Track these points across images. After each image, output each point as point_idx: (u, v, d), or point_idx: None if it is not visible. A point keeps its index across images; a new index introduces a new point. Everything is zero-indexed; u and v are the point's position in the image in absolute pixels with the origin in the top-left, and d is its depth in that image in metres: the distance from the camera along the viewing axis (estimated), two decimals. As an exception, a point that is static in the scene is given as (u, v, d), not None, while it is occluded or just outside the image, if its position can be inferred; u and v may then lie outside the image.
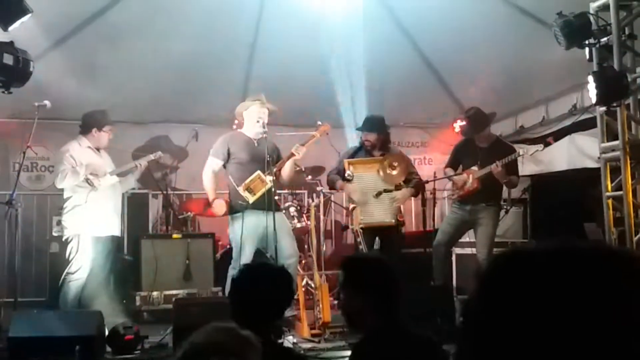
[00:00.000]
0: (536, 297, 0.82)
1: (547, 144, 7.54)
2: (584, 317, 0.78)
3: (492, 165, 6.87)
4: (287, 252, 6.49)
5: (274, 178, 6.54)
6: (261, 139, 6.65)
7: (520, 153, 6.93)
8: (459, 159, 7.44)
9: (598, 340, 0.77)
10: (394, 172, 6.80)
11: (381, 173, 6.77)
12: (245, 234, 6.38)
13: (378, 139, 7.00)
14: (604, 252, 0.86)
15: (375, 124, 7.06)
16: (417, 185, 6.97)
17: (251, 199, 6.43)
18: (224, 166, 6.68)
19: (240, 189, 6.44)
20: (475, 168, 7.08)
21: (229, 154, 6.63)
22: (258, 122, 6.62)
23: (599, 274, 0.82)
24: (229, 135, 6.79)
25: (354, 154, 7.10)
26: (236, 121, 6.91)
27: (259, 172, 6.48)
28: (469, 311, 0.90)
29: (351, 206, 6.75)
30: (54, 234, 7.70)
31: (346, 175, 6.80)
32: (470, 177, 7.06)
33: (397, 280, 3.10)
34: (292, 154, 6.61)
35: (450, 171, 7.42)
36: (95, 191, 6.73)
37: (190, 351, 1.87)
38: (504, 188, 7.52)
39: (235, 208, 6.55)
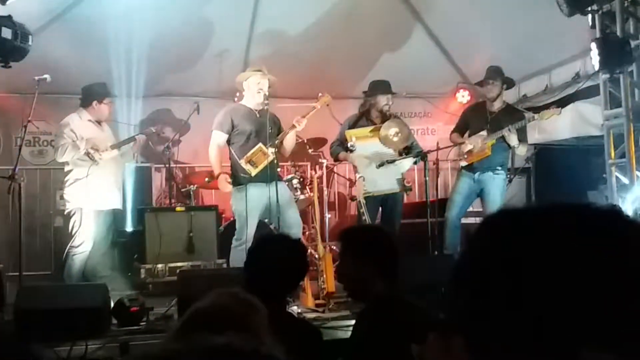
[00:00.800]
0: (521, 251, 0.81)
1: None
2: (565, 270, 0.78)
3: (504, 129, 6.82)
4: (291, 223, 6.52)
5: (276, 150, 6.54)
6: (262, 110, 6.63)
7: (535, 117, 6.83)
8: (467, 123, 7.40)
9: (577, 294, 0.76)
10: (396, 139, 6.82)
11: (383, 140, 6.79)
12: (249, 206, 6.40)
13: (390, 109, 7.07)
14: (590, 211, 0.86)
15: (389, 87, 7.09)
16: (419, 154, 6.98)
17: (253, 171, 6.43)
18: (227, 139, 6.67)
19: (242, 162, 6.44)
20: (483, 133, 7.04)
21: (232, 127, 6.61)
22: (259, 92, 6.59)
23: (581, 230, 0.82)
24: (231, 108, 6.75)
25: (355, 122, 7.11)
26: (237, 94, 6.89)
27: (260, 144, 6.47)
28: (459, 267, 0.89)
29: (358, 176, 6.76)
30: (58, 208, 7.73)
31: (349, 146, 6.81)
32: (480, 142, 7.02)
33: (396, 249, 3.11)
34: (293, 126, 6.59)
35: (456, 136, 7.41)
36: (96, 165, 6.73)
37: (195, 314, 1.89)
38: (515, 158, 7.49)
39: (238, 180, 6.55)
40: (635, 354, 0.75)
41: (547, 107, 7.52)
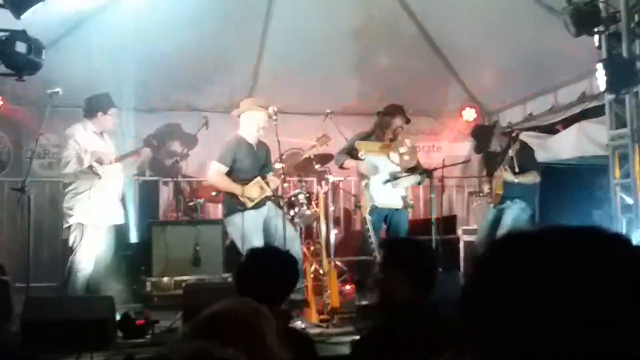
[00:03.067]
0: (526, 273, 0.84)
1: (555, 132, 7.59)
2: (567, 293, 0.81)
3: (495, 175, 7.03)
4: (290, 236, 6.59)
5: (284, 167, 6.65)
6: (259, 142, 6.83)
7: (510, 154, 7.02)
8: (488, 166, 7.73)
9: (578, 316, 0.79)
10: (405, 158, 6.91)
11: (392, 158, 6.88)
12: (247, 227, 6.48)
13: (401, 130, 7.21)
14: (595, 234, 0.89)
15: (404, 111, 7.25)
16: (423, 173, 7.08)
17: (250, 204, 6.56)
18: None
19: (239, 195, 6.57)
20: (497, 173, 7.20)
21: (234, 161, 6.72)
22: (259, 132, 6.76)
23: (585, 254, 0.84)
24: (234, 142, 6.83)
25: (366, 138, 7.22)
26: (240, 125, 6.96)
27: (259, 178, 6.66)
28: (468, 287, 0.93)
29: (363, 184, 6.85)
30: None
31: (359, 155, 6.90)
32: (491, 184, 7.26)
33: (433, 264, 3.24)
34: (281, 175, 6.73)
35: (486, 180, 7.70)
36: (99, 179, 6.62)
37: (208, 317, 1.93)
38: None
39: (233, 209, 6.66)
40: None
41: (551, 126, 7.63)
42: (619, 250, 0.86)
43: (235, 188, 6.64)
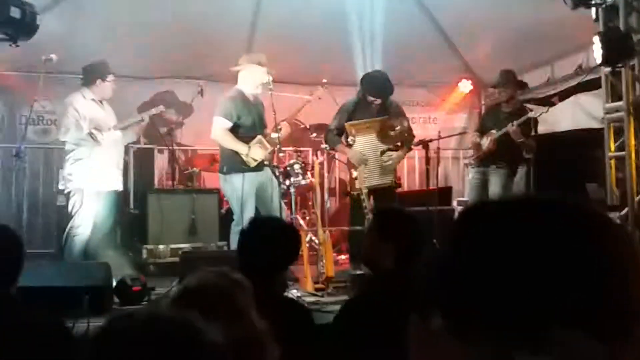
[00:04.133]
0: (495, 243, 0.86)
1: (552, 104, 7.58)
2: (534, 259, 0.82)
3: (507, 126, 6.94)
4: (281, 208, 6.59)
5: (279, 136, 6.58)
6: (255, 98, 6.72)
7: (531, 115, 6.96)
8: (484, 125, 7.57)
9: (545, 285, 0.81)
10: (392, 134, 6.81)
11: (380, 135, 6.78)
12: (247, 190, 6.45)
13: (384, 100, 7.02)
14: (567, 206, 0.89)
15: (384, 88, 6.96)
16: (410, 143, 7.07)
17: (253, 163, 6.49)
18: None
19: (244, 154, 6.49)
20: (494, 131, 7.16)
21: (238, 117, 6.59)
22: (257, 88, 6.64)
23: (554, 225, 0.85)
24: (235, 96, 6.68)
25: (353, 110, 6.98)
26: (239, 80, 6.88)
27: (260, 137, 6.53)
28: (441, 252, 0.94)
29: (355, 173, 6.72)
30: (61, 187, 7.76)
31: (349, 140, 6.78)
32: (488, 139, 7.15)
33: (420, 233, 3.29)
34: (279, 129, 6.63)
35: (474, 136, 7.57)
36: (98, 146, 6.65)
37: (184, 292, 1.96)
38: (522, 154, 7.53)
39: (232, 168, 6.58)
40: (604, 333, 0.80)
41: (547, 99, 7.60)
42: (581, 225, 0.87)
43: (241, 147, 6.51)
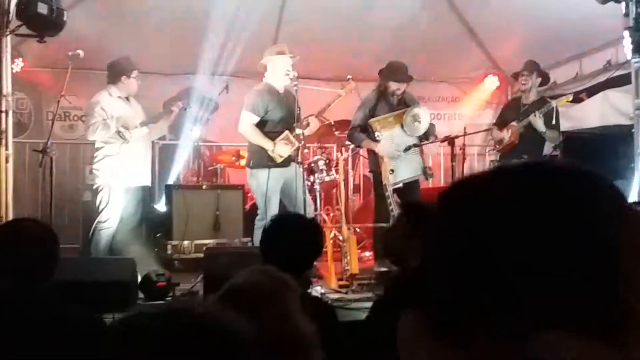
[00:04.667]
0: (472, 221, 0.79)
1: (580, 100, 7.49)
2: (532, 230, 0.75)
3: (530, 116, 6.90)
4: (308, 204, 6.58)
5: (303, 132, 6.56)
6: (287, 92, 6.68)
7: (553, 104, 6.89)
8: (505, 117, 7.51)
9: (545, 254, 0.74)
10: (417, 124, 6.77)
11: (405, 127, 6.75)
12: (272, 186, 6.45)
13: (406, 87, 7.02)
14: (563, 168, 0.82)
15: (405, 74, 7.00)
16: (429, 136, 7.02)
17: (279, 159, 6.48)
18: None
19: (270, 150, 6.48)
20: (514, 123, 7.10)
21: (266, 111, 6.59)
22: (287, 74, 6.60)
23: (547, 190, 0.78)
24: (265, 90, 6.69)
25: (374, 106, 6.97)
26: (266, 74, 6.88)
27: (287, 132, 6.51)
28: (428, 229, 0.89)
29: (389, 168, 6.69)
30: (87, 182, 7.82)
31: (376, 136, 6.74)
32: (509, 131, 7.10)
33: None
34: (308, 123, 6.70)
35: (495, 128, 7.50)
36: (126, 143, 6.74)
37: (230, 291, 1.93)
38: (545, 146, 7.45)
39: (259, 163, 6.59)
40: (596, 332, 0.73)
41: (575, 95, 7.52)
42: (584, 185, 0.80)
43: (267, 143, 6.52)
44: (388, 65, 7.09)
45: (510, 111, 7.46)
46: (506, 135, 7.18)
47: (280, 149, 6.48)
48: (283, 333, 1.82)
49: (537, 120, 6.88)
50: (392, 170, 6.62)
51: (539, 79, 7.32)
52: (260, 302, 1.86)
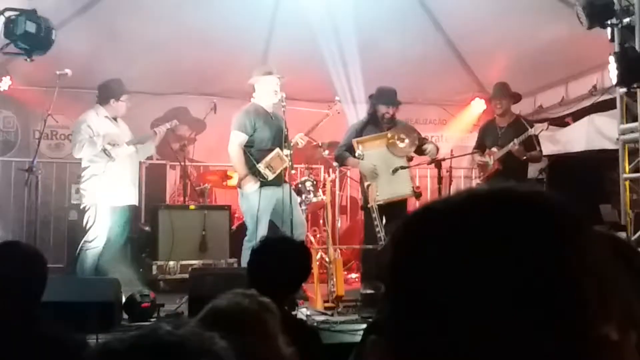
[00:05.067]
0: (441, 244, 0.77)
1: (565, 124, 7.54)
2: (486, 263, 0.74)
3: (509, 144, 6.90)
4: (297, 223, 6.59)
5: (291, 153, 6.58)
6: (276, 112, 6.70)
7: (531, 132, 6.89)
8: (483, 140, 7.50)
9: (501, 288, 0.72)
10: (402, 145, 6.82)
11: (390, 147, 6.80)
12: (262, 207, 6.45)
13: (395, 111, 7.08)
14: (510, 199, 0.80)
15: (394, 97, 7.08)
16: (422, 143, 7.06)
17: (271, 176, 6.49)
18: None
19: (262, 166, 6.49)
20: (495, 149, 7.11)
21: (254, 129, 6.62)
22: (275, 94, 6.64)
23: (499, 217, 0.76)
24: (252, 109, 6.72)
25: (362, 129, 7.09)
26: (254, 94, 6.91)
27: (278, 149, 6.53)
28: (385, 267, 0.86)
29: (366, 184, 6.76)
30: (73, 202, 7.78)
31: (357, 155, 6.78)
32: (491, 158, 7.11)
33: None
34: (296, 143, 6.73)
35: (477, 155, 7.49)
36: (112, 161, 6.72)
37: (212, 313, 1.92)
38: (529, 169, 7.49)
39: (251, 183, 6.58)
40: None
41: (561, 119, 7.54)
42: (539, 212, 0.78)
43: (241, 170, 6.58)
44: (378, 89, 7.18)
45: (488, 135, 7.43)
46: (489, 161, 7.18)
47: (272, 161, 6.50)
48: (264, 354, 1.82)
49: (518, 150, 6.92)
50: (369, 185, 6.64)
51: (511, 100, 7.34)
52: (242, 324, 1.86)
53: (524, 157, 6.96)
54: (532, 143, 7.00)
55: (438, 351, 0.74)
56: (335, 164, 7.53)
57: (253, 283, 3.16)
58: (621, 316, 0.75)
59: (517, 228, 0.75)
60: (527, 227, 0.75)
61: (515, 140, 6.86)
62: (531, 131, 6.88)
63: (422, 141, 7.10)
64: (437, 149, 7.10)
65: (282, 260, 3.22)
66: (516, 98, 7.38)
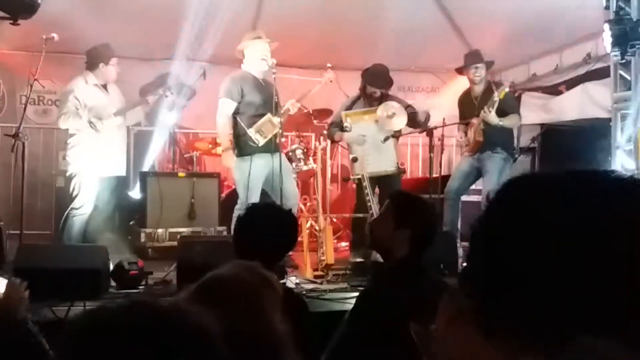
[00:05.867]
0: (539, 215, 0.79)
1: (558, 92, 7.47)
2: (584, 239, 0.75)
3: (480, 115, 6.82)
4: (290, 194, 6.54)
5: (282, 121, 6.52)
6: (266, 79, 6.62)
7: (495, 97, 6.71)
8: (464, 113, 7.39)
9: (595, 262, 0.74)
10: (392, 120, 6.81)
11: (380, 122, 6.79)
12: (253, 176, 6.40)
13: (385, 92, 7.08)
14: (611, 180, 0.82)
15: (385, 80, 7.11)
16: (413, 116, 7.06)
17: (262, 141, 6.43)
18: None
19: (252, 131, 6.42)
20: (474, 121, 7.01)
21: (242, 95, 6.55)
22: (263, 60, 6.56)
23: (601, 198, 0.78)
24: (240, 76, 6.67)
25: (352, 104, 7.16)
26: (244, 60, 6.82)
27: (269, 114, 6.46)
28: (477, 231, 0.88)
29: (351, 156, 6.77)
30: (61, 168, 7.71)
31: (344, 126, 6.80)
32: (472, 130, 7.02)
33: (435, 224, 3.27)
34: (287, 110, 6.64)
35: (461, 127, 7.42)
36: (98, 134, 6.68)
37: (210, 281, 1.89)
38: (514, 135, 7.44)
39: (243, 151, 6.52)
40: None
41: (555, 87, 7.47)
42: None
43: (224, 141, 6.59)
44: (370, 68, 7.21)
45: (466, 107, 7.30)
46: (470, 135, 7.09)
47: (262, 126, 6.44)
48: (256, 330, 1.79)
49: (488, 116, 6.77)
50: (355, 159, 6.61)
51: (485, 67, 7.19)
52: (237, 297, 1.83)
53: (497, 123, 6.84)
54: (504, 106, 6.88)
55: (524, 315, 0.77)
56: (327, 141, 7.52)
57: (238, 251, 3.13)
58: None
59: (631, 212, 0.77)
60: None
61: (485, 108, 6.76)
62: (496, 95, 6.74)
63: (413, 115, 7.06)
64: (428, 115, 7.06)
65: (268, 228, 3.18)
66: (489, 64, 7.28)
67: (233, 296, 1.83)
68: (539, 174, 0.89)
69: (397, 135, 6.89)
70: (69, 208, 6.70)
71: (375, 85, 7.04)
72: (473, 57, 7.18)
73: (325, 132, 7.45)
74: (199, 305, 1.61)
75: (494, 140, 6.94)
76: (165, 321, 1.05)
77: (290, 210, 3.80)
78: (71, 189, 6.74)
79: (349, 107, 7.12)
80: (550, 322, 0.74)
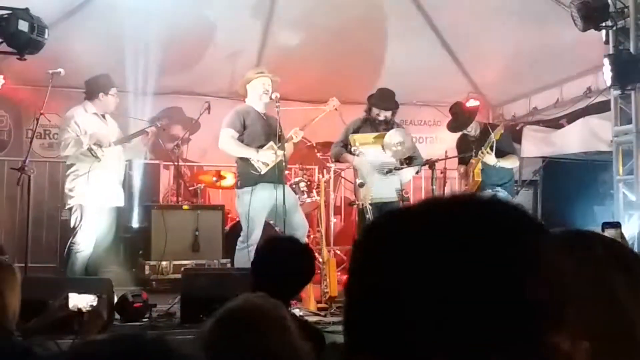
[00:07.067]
0: (404, 249, 0.79)
1: (560, 126, 7.53)
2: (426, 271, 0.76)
3: (478, 156, 6.88)
4: (297, 225, 6.56)
5: (284, 152, 6.56)
6: (268, 114, 6.72)
7: (492, 138, 6.80)
8: (463, 153, 7.48)
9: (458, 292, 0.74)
10: (399, 148, 6.83)
11: (386, 148, 6.81)
12: (257, 208, 6.42)
13: (392, 115, 7.07)
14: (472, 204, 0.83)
15: (392, 102, 7.13)
16: (420, 163, 7.12)
17: (264, 169, 6.47)
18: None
19: (254, 159, 6.47)
20: (473, 161, 7.08)
21: (244, 127, 6.61)
22: (266, 93, 6.63)
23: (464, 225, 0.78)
24: (242, 109, 6.75)
25: (359, 127, 7.13)
26: (248, 95, 6.89)
27: (272, 143, 6.51)
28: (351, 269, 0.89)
29: (358, 181, 6.78)
30: (65, 201, 7.73)
31: (352, 150, 6.83)
32: (471, 170, 7.09)
33: None
34: (291, 138, 6.68)
35: (461, 167, 7.51)
36: (98, 161, 6.64)
37: (228, 313, 1.91)
38: (514, 170, 7.49)
39: (246, 182, 6.56)
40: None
41: (556, 121, 7.52)
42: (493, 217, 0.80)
43: (249, 151, 6.54)
44: (377, 91, 7.24)
45: (464, 149, 7.42)
46: (470, 175, 7.15)
47: (264, 155, 6.48)
48: (285, 349, 1.82)
49: (486, 157, 6.88)
50: (362, 184, 6.63)
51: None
52: (261, 321, 1.86)
53: (494, 164, 6.91)
54: (504, 147, 6.97)
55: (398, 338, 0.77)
56: (330, 165, 7.53)
57: (258, 283, 3.11)
58: (575, 325, 0.76)
59: (471, 230, 0.77)
60: (481, 228, 0.77)
61: (483, 149, 6.83)
62: (492, 137, 6.82)
63: (414, 153, 7.14)
64: (424, 161, 7.13)
65: (287, 260, 3.18)
66: (473, 111, 7.41)
67: (256, 322, 1.86)
68: (398, 209, 0.90)
69: (400, 168, 6.91)
70: (69, 242, 6.63)
71: (381, 107, 7.04)
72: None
73: (328, 164, 7.49)
74: (221, 337, 1.64)
75: (493, 179, 7.01)
76: (152, 354, 1.07)
77: (307, 243, 3.81)
78: (72, 222, 6.69)
79: (356, 130, 7.10)
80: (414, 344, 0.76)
